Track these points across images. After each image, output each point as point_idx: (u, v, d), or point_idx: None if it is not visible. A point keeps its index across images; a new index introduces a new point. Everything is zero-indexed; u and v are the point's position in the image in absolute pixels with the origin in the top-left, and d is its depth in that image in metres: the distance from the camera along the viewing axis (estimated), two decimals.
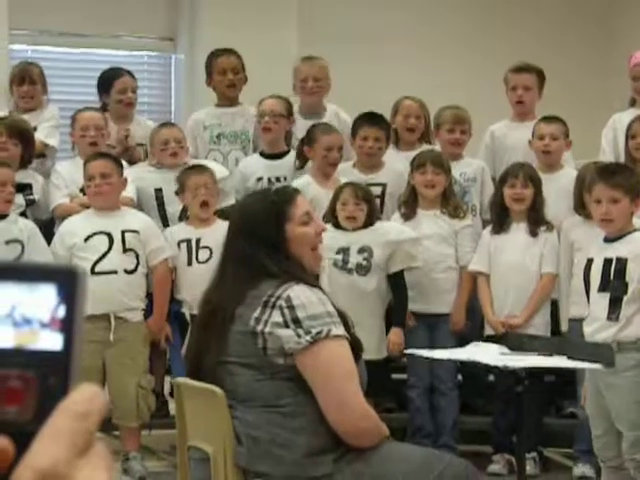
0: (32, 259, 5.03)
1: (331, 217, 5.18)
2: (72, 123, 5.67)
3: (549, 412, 5.62)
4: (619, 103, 6.14)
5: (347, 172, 5.69)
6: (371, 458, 3.00)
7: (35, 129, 5.70)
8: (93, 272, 5.03)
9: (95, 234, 5.16)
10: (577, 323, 4.77)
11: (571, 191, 5.30)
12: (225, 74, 6.02)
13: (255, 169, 5.77)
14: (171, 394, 5.16)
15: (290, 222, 3.13)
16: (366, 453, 3.00)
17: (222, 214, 5.16)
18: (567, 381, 5.38)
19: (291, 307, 2.94)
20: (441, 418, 5.47)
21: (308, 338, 2.92)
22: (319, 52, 6.26)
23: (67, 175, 5.56)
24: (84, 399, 0.72)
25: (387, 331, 5.36)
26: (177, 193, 5.40)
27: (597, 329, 4.39)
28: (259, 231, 3.10)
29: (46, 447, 0.70)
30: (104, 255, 5.14)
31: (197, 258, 5.30)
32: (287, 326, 2.93)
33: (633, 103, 5.91)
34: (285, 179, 5.75)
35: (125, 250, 5.18)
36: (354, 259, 5.23)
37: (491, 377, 5.54)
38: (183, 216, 5.55)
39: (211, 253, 5.16)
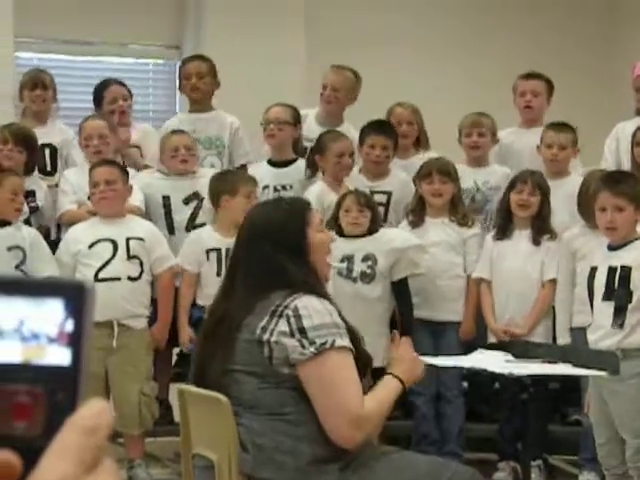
0: (34, 266, 5.04)
1: (334, 225, 5.17)
2: (79, 131, 5.70)
3: (554, 419, 5.60)
4: (621, 110, 6.12)
5: (353, 177, 5.68)
6: (377, 466, 3.00)
7: (43, 146, 5.70)
8: (97, 279, 5.03)
9: (99, 241, 5.16)
10: (581, 332, 4.75)
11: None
12: (189, 79, 6.02)
13: (262, 177, 5.73)
14: None
15: (311, 228, 3.16)
16: (372, 461, 3.00)
17: None
18: (572, 388, 5.35)
19: (298, 316, 2.94)
20: (447, 425, 5.45)
21: (312, 349, 2.92)
22: (326, 58, 6.25)
23: (75, 182, 5.56)
24: (92, 414, 0.72)
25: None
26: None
27: (601, 337, 4.38)
28: (285, 235, 3.12)
29: (54, 463, 0.70)
30: (108, 262, 5.12)
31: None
32: (292, 335, 2.93)
33: (638, 112, 5.88)
34: (291, 187, 5.74)
35: (129, 257, 5.17)
36: (358, 267, 5.22)
37: (497, 384, 5.52)
38: (190, 225, 5.55)
39: None
